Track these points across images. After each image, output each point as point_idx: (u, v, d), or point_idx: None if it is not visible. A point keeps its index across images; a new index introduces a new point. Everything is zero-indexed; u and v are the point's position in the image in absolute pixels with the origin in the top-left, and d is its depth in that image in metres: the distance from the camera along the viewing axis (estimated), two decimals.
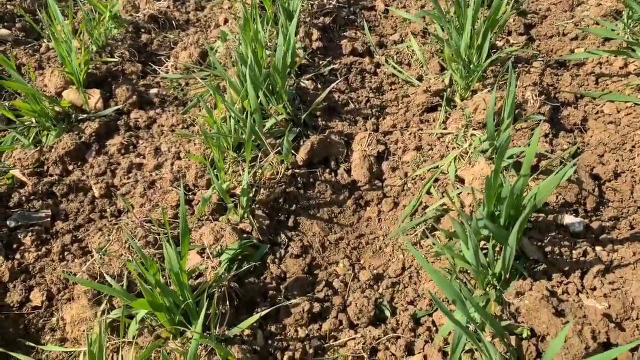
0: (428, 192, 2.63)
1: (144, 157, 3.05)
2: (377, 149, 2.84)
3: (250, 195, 2.54)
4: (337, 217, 2.66)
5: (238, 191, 2.57)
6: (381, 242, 2.56)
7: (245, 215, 2.46)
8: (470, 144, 2.70)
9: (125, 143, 3.12)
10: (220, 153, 2.67)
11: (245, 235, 2.42)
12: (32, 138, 3.15)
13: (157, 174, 2.90)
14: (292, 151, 2.76)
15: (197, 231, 2.44)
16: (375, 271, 2.44)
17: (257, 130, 2.45)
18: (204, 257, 2.30)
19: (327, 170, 2.80)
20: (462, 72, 2.97)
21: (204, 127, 2.83)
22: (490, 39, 3.01)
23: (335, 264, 2.46)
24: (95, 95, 3.34)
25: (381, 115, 3.17)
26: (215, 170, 2.62)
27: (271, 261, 2.35)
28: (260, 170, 2.59)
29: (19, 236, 2.62)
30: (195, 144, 2.96)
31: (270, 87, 2.86)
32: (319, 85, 3.19)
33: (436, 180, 2.66)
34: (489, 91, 2.91)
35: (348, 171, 2.82)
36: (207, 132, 2.58)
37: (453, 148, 2.79)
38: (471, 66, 2.90)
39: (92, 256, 2.50)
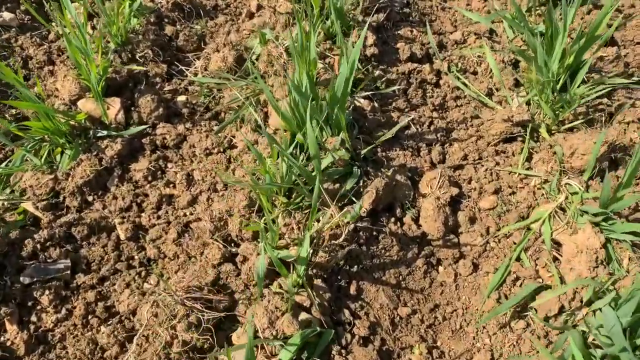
0: (518, 259, 2.10)
1: (174, 187, 2.51)
2: (450, 192, 2.30)
3: (306, 256, 2.02)
4: (406, 281, 2.15)
5: (293, 251, 2.04)
6: (461, 319, 2.06)
7: (301, 282, 1.95)
8: (566, 197, 2.15)
9: (153, 168, 2.57)
10: (269, 201, 2.13)
11: (303, 313, 1.91)
12: (44, 157, 2.59)
13: (191, 214, 2.37)
14: (353, 198, 2.22)
15: (245, 303, 1.94)
16: None
17: (319, 185, 1.90)
18: (257, 349, 1.80)
19: (392, 220, 2.27)
20: (549, 98, 2.37)
21: (250, 168, 2.27)
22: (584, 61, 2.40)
23: (409, 348, 1.96)
24: (115, 105, 2.76)
25: (447, 140, 2.60)
26: (264, 220, 2.08)
27: (337, 352, 1.87)
28: (318, 227, 2.06)
29: (35, 294, 2.12)
30: (233, 172, 2.41)
31: (326, 114, 2.28)
32: (376, 104, 2.60)
33: (526, 244, 2.13)
34: (585, 125, 2.33)
35: (416, 219, 2.28)
36: (257, 182, 2.03)
37: (543, 196, 2.24)
38: (566, 95, 2.30)
39: (121, 321, 2.02)
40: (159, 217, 2.40)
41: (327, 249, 2.08)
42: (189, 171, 2.58)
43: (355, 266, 2.14)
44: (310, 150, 2.04)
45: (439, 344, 2.02)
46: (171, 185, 2.54)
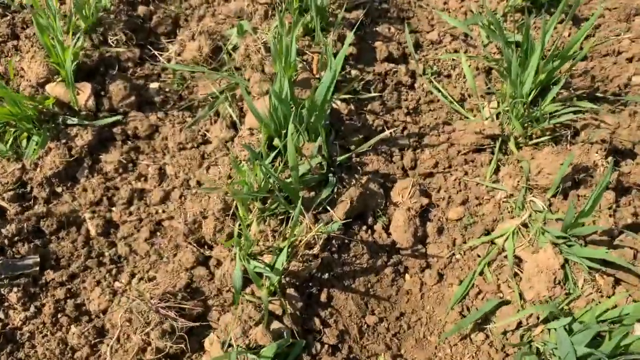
0: (481, 272, 2.19)
1: (146, 181, 2.47)
2: (420, 202, 2.35)
3: (281, 267, 2.05)
4: (374, 288, 2.22)
5: (267, 259, 2.07)
6: (425, 328, 2.15)
7: (274, 290, 1.98)
8: (530, 215, 2.24)
9: (124, 160, 2.52)
10: (244, 206, 2.13)
11: (276, 322, 1.96)
12: (9, 143, 2.50)
13: (164, 211, 2.35)
14: (328, 207, 2.24)
15: (218, 310, 1.97)
16: None
17: (300, 202, 1.92)
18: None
19: (364, 228, 2.31)
20: (520, 113, 2.44)
21: (226, 174, 2.25)
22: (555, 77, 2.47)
23: (375, 357, 2.04)
24: (85, 91, 2.68)
25: (419, 147, 2.65)
26: (238, 226, 2.09)
27: None
28: (291, 236, 2.09)
29: (2, 291, 2.09)
30: (207, 170, 2.40)
31: (303, 119, 2.28)
32: (353, 107, 2.60)
33: (489, 259, 2.22)
34: (551, 142, 2.41)
35: (386, 228, 2.34)
36: (234, 189, 2.02)
37: (508, 211, 2.32)
38: (536, 111, 2.37)
39: (91, 321, 2.02)
40: (130, 214, 2.37)
41: (301, 258, 2.11)
42: (162, 165, 2.55)
43: (327, 274, 2.18)
44: (289, 162, 2.04)
45: (403, 352, 2.11)
46: (143, 179, 2.50)
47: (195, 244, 2.18)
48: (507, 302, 2.13)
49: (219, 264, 2.17)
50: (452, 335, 2.10)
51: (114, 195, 2.45)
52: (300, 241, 2.06)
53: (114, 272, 2.22)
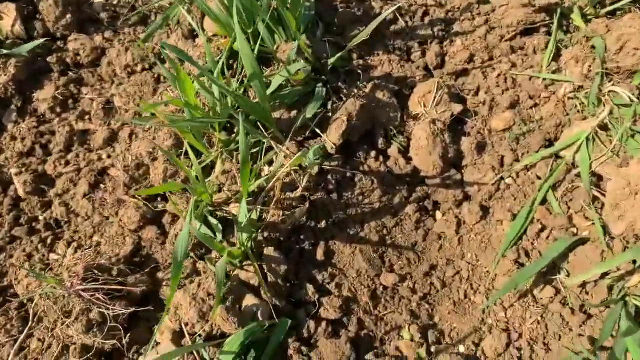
0: (544, 201, 1.49)
1: (90, 120, 1.87)
2: (451, 110, 1.65)
3: (255, 217, 1.43)
4: (392, 235, 1.57)
5: (234, 209, 1.45)
6: (466, 286, 1.50)
7: (247, 252, 1.37)
8: (611, 112, 1.50)
9: (61, 97, 1.93)
10: (199, 139, 1.50)
11: (250, 297, 1.36)
12: None
13: (109, 156, 1.75)
14: (316, 129, 1.58)
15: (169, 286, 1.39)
16: (461, 346, 1.40)
17: (264, 108, 1.27)
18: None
19: (373, 154, 1.65)
20: None
21: (174, 99, 1.62)
22: None
23: (396, 331, 1.41)
24: (10, 14, 2.09)
25: (447, 36, 1.91)
26: (193, 169, 1.47)
27: (295, 350, 1.32)
28: (269, 173, 1.45)
29: None
30: (161, 97, 1.77)
31: (276, 12, 1.58)
32: None
33: (554, 181, 1.52)
34: (636, 10, 1.62)
35: (405, 151, 1.66)
36: (172, 117, 1.39)
37: (578, 111, 1.59)
38: None
39: (20, 308, 1.49)
40: (67, 163, 1.79)
41: (282, 204, 1.47)
42: (109, 97, 1.92)
43: (324, 222, 1.55)
44: (246, 69, 1.37)
45: (437, 320, 1.48)
46: (86, 117, 1.90)
47: (141, 197, 1.57)
48: (584, 241, 1.45)
49: (174, 220, 1.56)
50: (506, 294, 1.44)
51: (50, 142, 1.87)
52: (278, 180, 1.42)
53: (49, 241, 1.67)
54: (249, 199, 1.49)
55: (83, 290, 1.34)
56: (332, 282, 1.50)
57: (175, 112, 1.68)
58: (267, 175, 1.50)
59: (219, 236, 1.37)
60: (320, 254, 1.53)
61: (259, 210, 1.47)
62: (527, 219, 1.52)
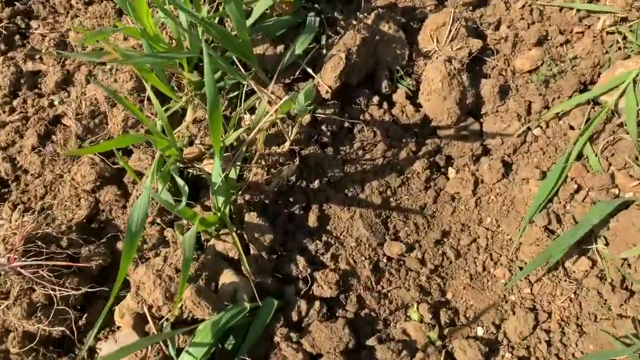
0: (579, 156, 1.23)
1: (40, 60, 1.57)
2: (468, 46, 1.36)
3: (233, 176, 1.16)
4: (397, 197, 1.31)
5: (208, 167, 1.17)
6: (484, 256, 1.25)
7: (224, 219, 1.11)
8: None
9: (6, 32, 1.62)
10: (165, 79, 1.21)
11: (227, 272, 1.10)
12: None
13: (63, 101, 1.46)
14: (307, 69, 1.28)
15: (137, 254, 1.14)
16: (479, 328, 1.17)
17: (243, 41, 0.98)
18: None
19: (375, 100, 1.37)
20: None
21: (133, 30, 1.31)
22: None
23: (402, 310, 1.17)
24: None
25: None
26: (157, 119, 1.19)
27: (283, 336, 1.08)
28: (249, 124, 1.17)
29: None
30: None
31: None
32: None
33: (592, 131, 1.26)
34: None
35: (413, 96, 1.38)
36: (125, 51, 1.09)
37: (619, 48, 1.32)
38: None
39: None
40: (12, 110, 1.50)
41: (266, 160, 1.19)
42: (63, 33, 1.61)
43: (316, 181, 1.28)
44: None
45: (450, 296, 1.24)
46: (37, 57, 1.59)
47: (98, 153, 1.29)
48: (628, 204, 1.19)
49: (139, 178, 1.28)
50: (534, 269, 1.19)
51: None
52: (259, 132, 1.14)
53: None
54: (226, 154, 1.22)
55: (22, 267, 1.07)
56: (326, 253, 1.25)
57: (138, 47, 1.38)
58: (247, 125, 1.22)
59: (184, 200, 1.09)
60: (312, 220, 1.27)
61: (238, 168, 1.19)
62: (559, 178, 1.27)
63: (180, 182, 1.12)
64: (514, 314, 1.21)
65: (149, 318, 1.08)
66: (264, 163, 1.20)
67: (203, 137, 1.27)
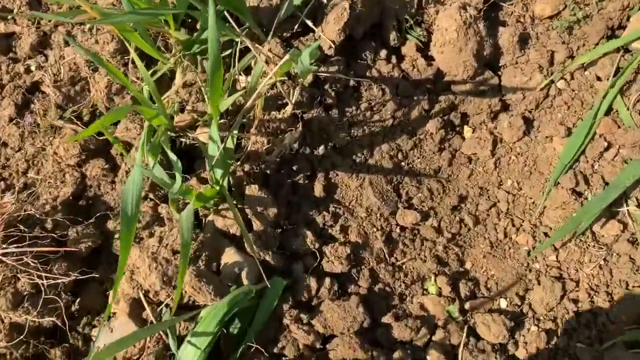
0: (608, 110, 1.12)
1: (14, 21, 1.43)
2: None
3: (231, 146, 1.04)
4: (410, 160, 1.20)
5: (202, 136, 1.06)
6: (505, 222, 1.15)
7: (223, 193, 1.01)
8: None
9: None
10: (150, 40, 1.08)
11: (229, 250, 1.00)
12: None
13: (41, 67, 1.33)
14: (307, 21, 1.15)
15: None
16: (503, 300, 1.08)
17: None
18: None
19: (384, 53, 1.24)
20: None
21: None
22: None
23: (419, 283, 1.09)
24: None
25: None
26: (144, 84, 1.06)
27: (292, 318, 0.99)
28: (246, 86, 1.05)
29: None
30: None
31: None
32: None
33: (623, 82, 1.14)
34: None
35: (424, 48, 1.24)
36: (103, 10, 0.96)
37: None
38: None
39: None
40: None
41: (266, 126, 1.07)
42: None
43: (321, 147, 1.16)
44: None
45: (468, 266, 1.14)
46: (9, 18, 1.45)
47: (80, 124, 1.17)
48: None
49: (128, 147, 1.17)
50: (562, 237, 1.09)
51: None
52: (257, 95, 1.01)
53: None
54: (220, 122, 1.10)
55: (3, 255, 0.97)
56: (335, 225, 1.14)
57: (118, 5, 1.23)
58: (244, 88, 1.09)
59: (179, 179, 0.98)
60: (318, 190, 1.16)
61: (235, 136, 1.07)
62: (586, 135, 1.15)
63: (172, 157, 1.00)
64: (539, 283, 1.12)
65: (145, 305, 0.98)
66: (263, 130, 1.08)
67: (195, 103, 1.15)
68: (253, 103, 1.03)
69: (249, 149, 1.10)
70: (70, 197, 1.17)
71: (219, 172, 1.03)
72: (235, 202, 1.08)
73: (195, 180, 1.13)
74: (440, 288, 1.12)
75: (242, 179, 1.10)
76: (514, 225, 1.18)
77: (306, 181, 1.18)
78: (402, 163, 1.23)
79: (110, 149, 1.22)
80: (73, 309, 1.10)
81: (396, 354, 1.03)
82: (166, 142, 1.06)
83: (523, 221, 1.18)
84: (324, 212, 1.16)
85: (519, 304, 1.11)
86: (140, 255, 1.00)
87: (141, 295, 0.99)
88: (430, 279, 1.13)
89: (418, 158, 1.24)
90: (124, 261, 0.83)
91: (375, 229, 1.15)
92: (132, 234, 0.85)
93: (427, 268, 1.14)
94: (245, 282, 1.00)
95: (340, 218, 1.16)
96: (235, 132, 1.09)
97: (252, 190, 1.08)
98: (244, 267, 1.01)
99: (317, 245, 1.11)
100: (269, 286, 1.01)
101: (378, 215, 1.17)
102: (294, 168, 1.17)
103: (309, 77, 1.13)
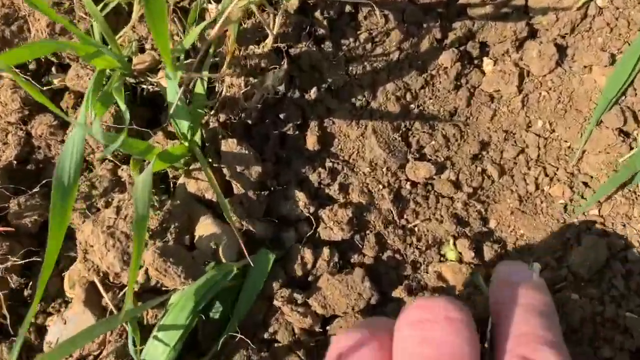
0: None
1: None
2: None
3: (201, 91, 0.83)
4: (419, 101, 1.00)
5: (164, 80, 0.84)
6: (536, 172, 0.95)
7: (193, 150, 0.80)
8: None
9: None
10: None
11: (205, 220, 0.80)
12: None
13: None
14: None
15: (81, 212, 0.84)
16: (535, 264, 0.88)
17: None
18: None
19: None
20: None
21: None
22: None
23: (435, 248, 0.90)
24: None
25: None
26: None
27: (284, 299, 0.81)
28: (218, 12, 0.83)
29: None
30: None
31: None
32: None
33: None
34: None
35: None
36: None
37: None
38: None
39: None
40: None
41: (242, 66, 0.85)
42: None
43: (313, 89, 0.95)
44: None
45: (493, 225, 0.95)
46: None
47: (22, 72, 0.95)
48: None
49: (79, 103, 0.95)
50: (612, 189, 0.89)
51: None
52: (230, 26, 0.79)
53: None
54: (187, 61, 0.88)
55: None
56: (333, 184, 0.94)
57: None
58: (213, 18, 0.86)
59: (123, 135, 0.77)
60: (312, 142, 0.95)
61: (205, 79, 0.85)
62: (636, 62, 0.92)
63: (121, 105, 0.79)
64: (579, 243, 0.93)
65: (102, 291, 0.79)
66: (239, 70, 0.86)
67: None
68: (221, 31, 0.80)
69: (223, 94, 0.89)
70: (15, 161, 0.96)
71: (184, 125, 0.82)
72: (210, 161, 0.88)
73: (161, 135, 0.92)
74: (460, 253, 0.93)
75: (217, 132, 0.89)
76: (546, 175, 0.98)
77: (297, 132, 0.97)
78: (411, 105, 1.02)
79: (60, 102, 1.01)
80: (26, 293, 0.92)
81: None
82: (118, 91, 0.84)
83: (557, 169, 0.98)
84: (320, 169, 0.95)
85: (556, 267, 0.92)
86: (93, 231, 0.80)
87: (97, 280, 0.79)
88: (449, 242, 0.94)
89: (430, 99, 1.03)
90: (55, 246, 0.63)
91: (381, 186, 0.95)
92: (68, 210, 0.65)
93: (445, 230, 0.95)
94: (224, 258, 0.80)
95: (339, 175, 0.96)
96: (206, 73, 0.87)
97: (229, 145, 0.87)
98: (223, 240, 0.81)
99: (312, 209, 0.91)
100: (253, 262, 0.81)
101: (384, 169, 0.96)
102: (282, 116, 0.96)
103: (295, 1, 0.91)
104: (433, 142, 1.01)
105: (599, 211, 0.95)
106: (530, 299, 0.59)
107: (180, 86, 0.82)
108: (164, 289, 0.80)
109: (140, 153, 0.79)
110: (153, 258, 0.75)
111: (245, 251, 0.77)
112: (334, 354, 0.55)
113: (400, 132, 1.00)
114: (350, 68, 1.00)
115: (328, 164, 0.97)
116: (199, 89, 0.88)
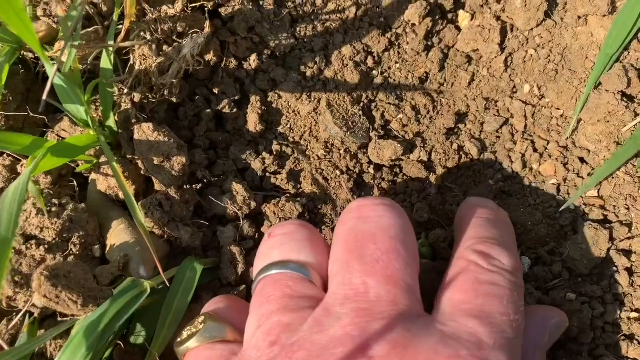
0: None
1: None
2: None
3: (108, 66, 0.65)
4: (383, 67, 0.84)
5: (66, 56, 0.66)
6: (523, 145, 0.78)
7: (99, 137, 0.64)
8: None
9: None
10: None
11: (117, 222, 0.63)
12: None
13: None
14: None
15: None
16: (525, 259, 0.73)
17: None
18: None
19: None
20: None
21: None
22: None
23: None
24: None
25: None
26: None
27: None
28: None
29: None
30: None
31: None
32: None
33: None
34: None
35: None
36: None
37: None
38: None
39: None
40: None
41: (152, 31, 0.66)
42: None
43: (253, 56, 0.76)
44: None
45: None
46: None
47: None
48: None
49: None
50: (617, 168, 0.72)
51: None
52: None
53: None
54: (88, 30, 0.69)
55: None
56: (281, 172, 0.76)
57: None
58: None
59: None
60: (253, 121, 0.77)
61: (111, 50, 0.66)
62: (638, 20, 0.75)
63: None
64: (574, 231, 0.76)
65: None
66: (149, 36, 0.67)
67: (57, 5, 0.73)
68: None
69: (136, 66, 0.70)
70: None
71: (79, 110, 0.64)
72: (125, 152, 0.70)
73: (68, 122, 0.74)
74: (434, 249, 0.77)
75: (131, 114, 0.71)
76: (535, 151, 0.81)
77: (234, 109, 0.79)
78: (374, 72, 0.84)
79: None
80: None
81: None
82: (2, 66, 0.65)
83: (548, 143, 0.81)
84: (264, 154, 0.78)
85: (549, 261, 0.76)
86: None
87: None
88: (420, 236, 0.77)
89: (396, 63, 0.85)
90: None
91: (338, 172, 0.78)
92: None
93: (415, 221, 0.78)
94: (134, 274, 0.63)
95: (288, 160, 0.78)
96: (111, 43, 0.68)
97: (143, 130, 0.69)
98: (134, 252, 0.64)
99: (253, 205, 0.74)
100: (175, 275, 0.65)
101: (342, 151, 0.79)
102: (215, 91, 0.78)
103: None
104: (400, 116, 0.83)
105: (598, 192, 0.78)
106: (489, 215, 0.63)
107: (84, 61, 0.64)
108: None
109: (24, 150, 0.61)
110: (39, 282, 0.58)
111: (160, 267, 0.61)
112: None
113: (361, 105, 0.82)
114: (298, 29, 0.81)
115: (275, 147, 0.79)
116: (105, 62, 0.70)
